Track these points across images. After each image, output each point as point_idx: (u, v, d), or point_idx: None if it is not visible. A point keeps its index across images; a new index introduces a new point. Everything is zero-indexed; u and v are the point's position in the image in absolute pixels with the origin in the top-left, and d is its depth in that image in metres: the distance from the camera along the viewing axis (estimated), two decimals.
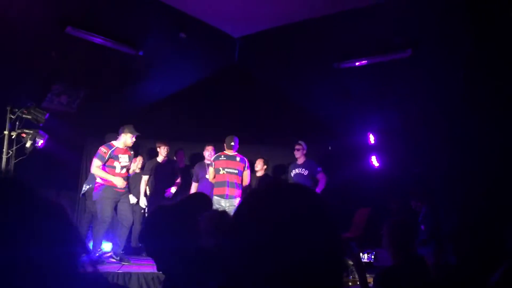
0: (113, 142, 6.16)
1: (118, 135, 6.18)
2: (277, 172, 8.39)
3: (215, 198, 6.29)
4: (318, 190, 6.86)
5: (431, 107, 6.49)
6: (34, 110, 5.64)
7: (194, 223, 1.95)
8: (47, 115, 5.75)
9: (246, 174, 6.57)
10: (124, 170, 6.21)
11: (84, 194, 7.10)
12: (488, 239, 2.80)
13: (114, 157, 6.06)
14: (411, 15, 5.57)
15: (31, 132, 5.62)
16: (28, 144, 5.59)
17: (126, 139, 6.15)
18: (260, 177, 7.68)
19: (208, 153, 7.29)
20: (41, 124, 5.74)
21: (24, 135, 5.59)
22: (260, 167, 7.68)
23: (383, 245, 3.01)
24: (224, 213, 2.65)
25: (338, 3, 5.74)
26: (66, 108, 6.85)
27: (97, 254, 5.89)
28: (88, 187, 6.94)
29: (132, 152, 6.40)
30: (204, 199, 2.90)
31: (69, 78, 6.65)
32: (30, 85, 6.36)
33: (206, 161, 7.25)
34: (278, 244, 0.96)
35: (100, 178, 6.06)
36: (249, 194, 1.09)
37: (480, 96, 5.46)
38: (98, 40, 6.05)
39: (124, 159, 6.18)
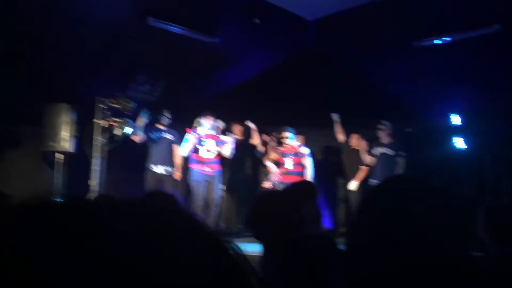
0: (198, 128, 6.62)
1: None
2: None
3: None
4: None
5: None
6: (122, 99, 5.94)
7: (300, 211, 2.00)
8: (135, 104, 6.04)
9: None
10: (211, 155, 6.60)
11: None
12: None
13: (198, 141, 6.53)
14: None
15: (121, 120, 5.92)
16: (118, 132, 5.90)
17: (205, 123, 6.62)
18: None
19: None
20: (129, 113, 6.05)
21: (114, 123, 5.90)
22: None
23: (480, 232, 2.90)
24: None
25: None
26: (148, 96, 7.14)
27: None
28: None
29: (220, 137, 6.81)
30: (310, 187, 2.90)
31: (151, 68, 6.92)
32: (115, 76, 6.69)
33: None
34: (412, 244, 0.96)
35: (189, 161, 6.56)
36: (375, 189, 1.10)
37: None
38: (177, 29, 6.24)
39: (209, 143, 6.58)
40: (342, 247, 1.49)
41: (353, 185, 7.13)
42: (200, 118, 6.72)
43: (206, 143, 6.67)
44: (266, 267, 2.16)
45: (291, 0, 6.37)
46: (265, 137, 7.85)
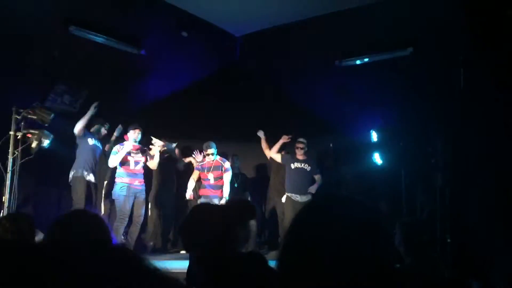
0: (125, 142, 6.57)
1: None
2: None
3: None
4: (313, 189, 7.21)
5: (430, 106, 6.56)
6: (39, 110, 5.65)
7: (235, 230, 2.00)
8: (53, 115, 5.77)
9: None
10: (139, 166, 6.63)
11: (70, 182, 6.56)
12: None
13: (127, 153, 6.51)
14: (411, 13, 5.64)
15: (37, 132, 5.63)
16: (34, 145, 5.60)
17: (130, 135, 6.56)
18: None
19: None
20: (46, 125, 5.76)
21: (29, 135, 5.60)
22: None
23: (396, 244, 3.09)
24: None
25: (339, 2, 5.81)
26: (68, 107, 6.84)
27: None
28: (72, 173, 6.49)
29: (145, 148, 6.79)
30: (249, 208, 2.79)
31: (72, 77, 6.65)
32: (33, 85, 6.35)
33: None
34: (336, 256, 1.01)
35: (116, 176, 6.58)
36: (304, 208, 1.14)
37: (480, 96, 5.54)
38: (101, 39, 6.07)
39: (136, 155, 6.63)
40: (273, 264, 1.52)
41: (284, 198, 7.30)
42: (129, 130, 6.62)
43: (134, 156, 6.62)
44: (191, 279, 2.15)
45: (219, 15, 6.42)
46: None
